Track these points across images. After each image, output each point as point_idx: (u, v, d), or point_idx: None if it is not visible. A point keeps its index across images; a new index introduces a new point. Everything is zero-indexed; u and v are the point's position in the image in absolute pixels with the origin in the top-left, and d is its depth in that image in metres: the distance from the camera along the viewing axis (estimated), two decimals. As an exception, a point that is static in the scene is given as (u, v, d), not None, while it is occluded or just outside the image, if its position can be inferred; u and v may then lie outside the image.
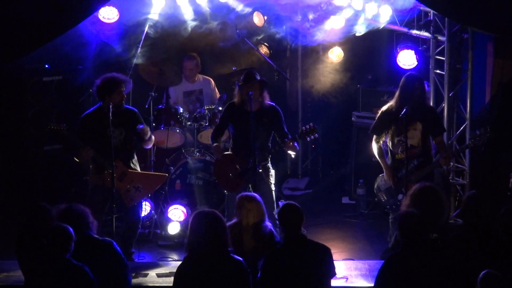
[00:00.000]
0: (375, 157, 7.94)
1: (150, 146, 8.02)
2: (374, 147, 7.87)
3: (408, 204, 6.18)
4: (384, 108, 7.89)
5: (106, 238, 6.03)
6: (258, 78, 7.68)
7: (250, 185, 7.70)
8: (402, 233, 5.53)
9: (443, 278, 5.42)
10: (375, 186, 7.95)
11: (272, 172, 7.83)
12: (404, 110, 7.47)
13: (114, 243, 5.96)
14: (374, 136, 7.87)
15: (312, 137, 7.58)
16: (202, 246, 5.40)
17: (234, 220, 6.28)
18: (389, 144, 7.80)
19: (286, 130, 7.75)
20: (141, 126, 7.66)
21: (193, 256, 5.47)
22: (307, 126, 7.57)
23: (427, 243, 5.54)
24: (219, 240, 5.42)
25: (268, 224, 6.24)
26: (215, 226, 5.44)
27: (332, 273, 5.73)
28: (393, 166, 7.77)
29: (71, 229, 5.53)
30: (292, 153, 7.79)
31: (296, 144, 7.58)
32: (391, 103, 7.82)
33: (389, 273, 5.48)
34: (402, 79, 7.77)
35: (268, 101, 7.77)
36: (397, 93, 7.77)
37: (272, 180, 7.80)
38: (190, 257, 5.49)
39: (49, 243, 5.47)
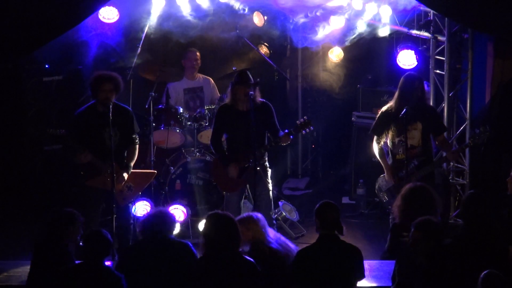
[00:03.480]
0: (375, 157, 7.94)
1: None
2: (375, 148, 7.86)
3: (400, 205, 6.21)
4: (384, 108, 7.88)
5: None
6: (252, 78, 7.68)
7: (248, 185, 7.70)
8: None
9: (444, 279, 5.42)
10: (376, 186, 7.95)
11: (269, 170, 7.80)
12: (404, 110, 7.47)
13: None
14: (375, 137, 7.86)
15: (307, 130, 7.59)
16: (216, 247, 5.44)
17: None
18: (390, 144, 7.80)
19: (278, 126, 7.75)
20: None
21: (206, 257, 5.51)
22: (302, 120, 7.59)
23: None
24: (232, 242, 5.45)
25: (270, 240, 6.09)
26: (228, 228, 5.48)
27: (361, 275, 5.74)
28: (393, 166, 7.75)
29: (108, 235, 5.55)
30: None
31: (291, 137, 7.59)
32: (391, 103, 7.81)
33: None
34: (401, 79, 7.76)
35: (259, 98, 7.76)
36: (396, 93, 7.77)
37: (269, 179, 7.77)
38: (204, 258, 5.54)
39: (85, 248, 5.47)
